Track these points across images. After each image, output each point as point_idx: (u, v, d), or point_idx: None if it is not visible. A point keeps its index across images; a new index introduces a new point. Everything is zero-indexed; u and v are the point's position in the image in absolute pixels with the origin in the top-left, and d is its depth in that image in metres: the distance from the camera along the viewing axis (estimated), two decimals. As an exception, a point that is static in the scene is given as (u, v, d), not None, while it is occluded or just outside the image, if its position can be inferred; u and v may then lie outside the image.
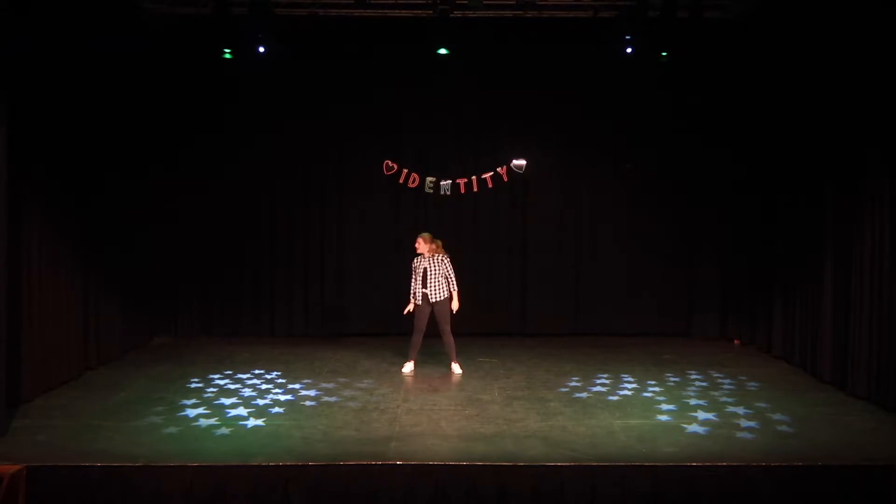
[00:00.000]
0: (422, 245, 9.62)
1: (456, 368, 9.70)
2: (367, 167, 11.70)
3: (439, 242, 9.73)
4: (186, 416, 7.76)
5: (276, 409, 8.01)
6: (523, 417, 7.78)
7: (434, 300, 9.53)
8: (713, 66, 11.22)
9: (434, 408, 8.09)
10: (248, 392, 8.65)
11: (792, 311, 9.99)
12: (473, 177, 11.68)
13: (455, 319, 11.81)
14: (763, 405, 8.17)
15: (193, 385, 8.93)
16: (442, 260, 9.58)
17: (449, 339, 9.66)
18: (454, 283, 9.60)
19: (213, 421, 7.59)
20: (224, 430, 7.31)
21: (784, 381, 9.23)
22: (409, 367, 9.72)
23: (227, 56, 10.64)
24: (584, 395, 8.63)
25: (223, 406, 8.11)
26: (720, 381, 9.21)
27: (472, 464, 6.44)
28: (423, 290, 9.55)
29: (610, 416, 7.81)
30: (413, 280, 9.62)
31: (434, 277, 9.52)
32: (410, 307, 9.69)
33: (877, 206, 8.17)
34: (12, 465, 6.25)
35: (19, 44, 7.55)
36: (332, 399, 8.43)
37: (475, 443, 6.98)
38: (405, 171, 11.63)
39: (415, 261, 9.67)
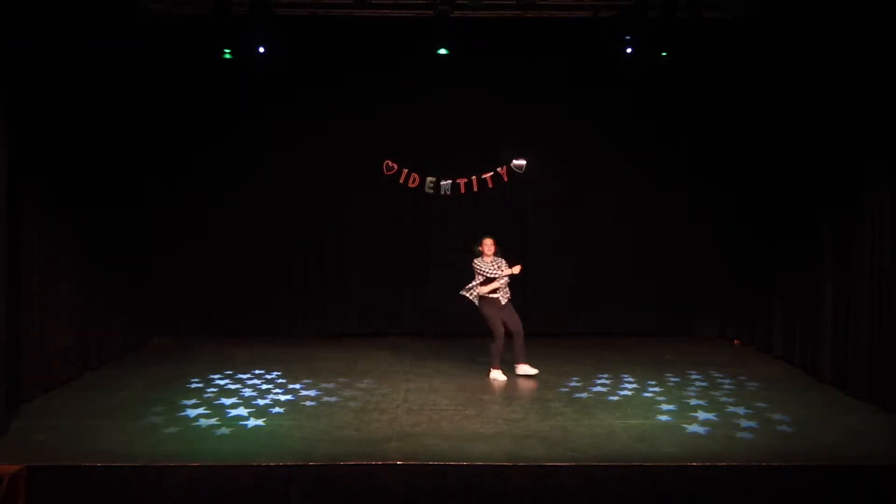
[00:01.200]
0: (489, 247, 9.31)
1: (527, 370, 9.40)
2: (367, 167, 11.71)
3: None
4: (186, 416, 7.77)
5: (277, 409, 8.01)
6: (523, 417, 7.78)
7: (503, 303, 9.31)
8: (713, 67, 11.21)
9: (434, 408, 8.09)
10: (248, 392, 8.65)
11: (792, 310, 9.99)
12: (473, 177, 11.71)
13: (455, 320, 11.90)
14: (763, 405, 8.17)
15: (193, 385, 8.93)
16: (502, 262, 9.37)
17: (522, 338, 9.38)
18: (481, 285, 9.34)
19: (213, 421, 7.59)
20: (224, 430, 7.31)
21: (784, 381, 9.23)
22: (498, 374, 9.33)
23: (227, 56, 10.64)
24: (584, 395, 8.63)
25: (223, 406, 8.11)
26: (720, 381, 9.21)
27: (472, 464, 6.44)
28: (491, 295, 9.27)
29: (610, 416, 7.81)
30: (478, 279, 9.30)
31: (502, 281, 9.30)
32: (483, 290, 9.28)
33: (876, 206, 8.17)
34: (12, 465, 6.25)
35: (19, 45, 7.55)
36: (332, 399, 8.43)
37: (475, 443, 6.98)
38: (405, 171, 11.66)
39: (478, 262, 9.32)
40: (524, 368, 9.43)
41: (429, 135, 11.77)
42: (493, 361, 9.36)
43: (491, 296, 9.29)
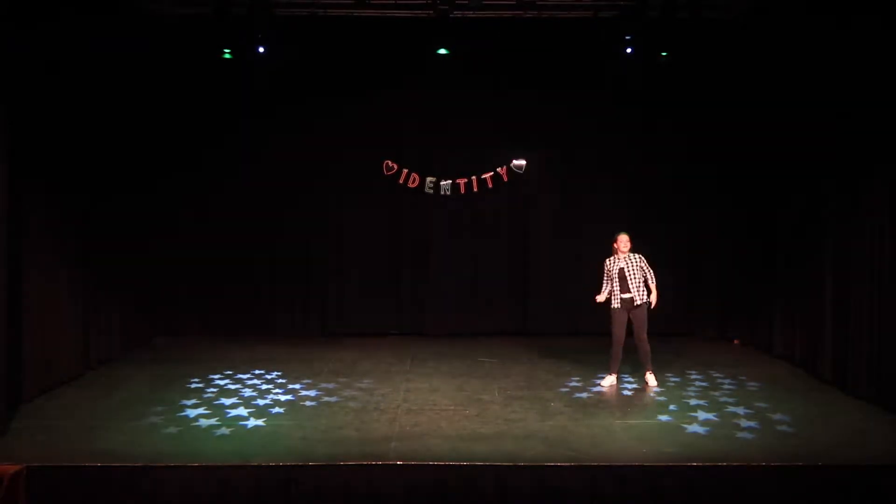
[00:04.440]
0: (625, 244, 8.89)
1: (651, 379, 8.99)
2: (367, 167, 11.71)
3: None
4: (186, 416, 7.77)
5: (277, 410, 8.01)
6: (523, 417, 7.78)
7: (638, 303, 8.81)
8: (713, 66, 11.22)
9: (434, 408, 8.09)
10: (248, 392, 8.65)
11: (792, 310, 9.99)
12: (473, 177, 11.71)
13: (455, 320, 11.89)
14: (763, 405, 8.17)
15: (193, 385, 8.93)
16: (640, 259, 8.90)
17: (646, 346, 8.94)
18: (653, 280, 8.89)
19: (213, 421, 7.60)
20: (224, 430, 7.31)
21: (784, 381, 9.23)
22: (609, 381, 9.02)
23: (227, 56, 10.65)
24: (584, 395, 8.64)
25: (223, 406, 8.11)
26: (720, 381, 9.21)
27: (472, 464, 6.44)
28: (624, 294, 8.81)
29: (610, 416, 7.81)
30: (606, 281, 8.98)
31: (634, 279, 8.81)
32: (601, 298, 8.99)
33: (876, 206, 8.17)
34: (12, 465, 6.25)
35: (19, 46, 7.55)
36: (332, 399, 8.43)
37: (475, 443, 6.98)
38: (405, 171, 11.66)
39: (608, 262, 9.02)
40: (648, 377, 9.02)
41: (429, 135, 11.76)
42: (610, 366, 9.09)
43: (624, 295, 8.86)
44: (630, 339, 8.99)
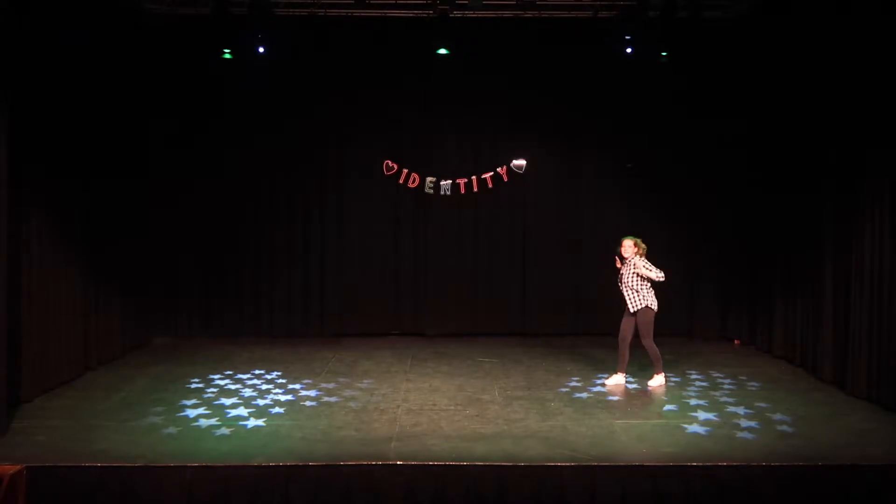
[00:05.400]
0: (625, 249, 8.87)
1: (652, 382, 8.93)
2: (367, 167, 11.71)
3: (638, 242, 8.93)
4: (186, 416, 7.76)
5: (277, 410, 8.01)
6: (523, 417, 7.78)
7: (633, 309, 8.79)
8: (713, 66, 11.22)
9: (434, 408, 8.09)
10: (248, 392, 8.65)
11: (792, 310, 9.99)
12: (473, 177, 11.72)
13: (455, 320, 11.88)
14: (763, 405, 8.17)
15: (193, 385, 8.93)
16: (635, 264, 8.77)
17: (652, 350, 8.84)
18: (653, 270, 8.72)
19: (213, 421, 7.60)
20: (224, 431, 7.31)
21: (784, 381, 9.23)
22: (615, 380, 9.01)
23: (227, 56, 10.65)
24: (584, 395, 8.64)
25: (223, 406, 8.11)
26: (720, 381, 9.21)
27: (472, 464, 6.44)
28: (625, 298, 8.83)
29: (610, 416, 7.81)
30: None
31: (627, 285, 8.81)
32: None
33: (877, 206, 8.17)
34: (12, 465, 6.25)
35: (20, 43, 7.56)
36: (332, 399, 8.43)
37: (475, 443, 6.98)
38: (405, 171, 11.66)
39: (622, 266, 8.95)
40: (653, 378, 8.97)
41: (429, 134, 11.77)
42: (617, 365, 9.11)
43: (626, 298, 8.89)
44: (638, 339, 8.99)
